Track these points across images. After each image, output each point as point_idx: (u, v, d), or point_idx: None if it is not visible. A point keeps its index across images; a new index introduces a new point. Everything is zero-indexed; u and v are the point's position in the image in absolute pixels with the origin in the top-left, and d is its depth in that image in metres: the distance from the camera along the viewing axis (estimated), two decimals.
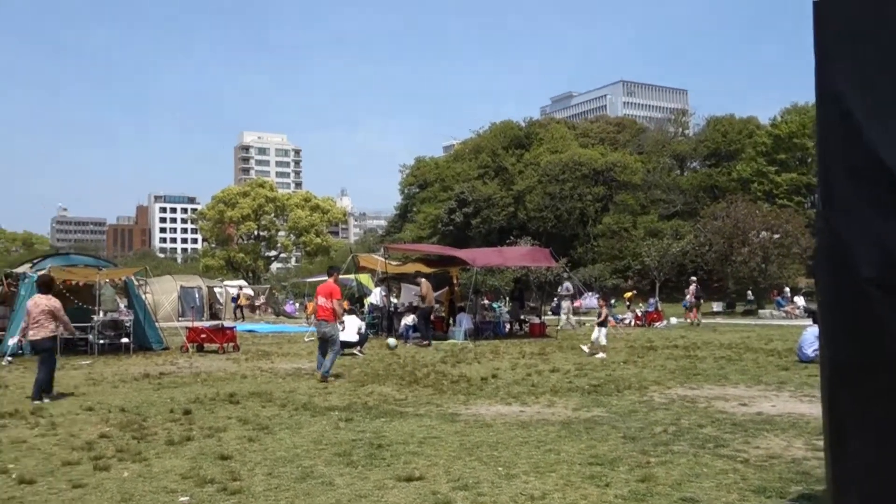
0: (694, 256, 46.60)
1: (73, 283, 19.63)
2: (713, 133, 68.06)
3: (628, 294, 38.66)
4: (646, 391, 12.17)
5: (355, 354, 18.21)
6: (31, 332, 11.94)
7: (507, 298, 32.37)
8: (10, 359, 17.07)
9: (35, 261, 21.34)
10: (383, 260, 27.90)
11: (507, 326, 25.79)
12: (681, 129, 77.96)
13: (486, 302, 27.27)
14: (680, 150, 70.98)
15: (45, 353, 11.94)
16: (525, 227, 62.34)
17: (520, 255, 30.11)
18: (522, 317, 26.53)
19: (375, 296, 26.97)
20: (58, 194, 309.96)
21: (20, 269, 20.94)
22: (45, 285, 12.42)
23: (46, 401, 11.42)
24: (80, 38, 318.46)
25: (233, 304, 39.73)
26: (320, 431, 9.06)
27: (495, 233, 63.11)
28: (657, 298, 39.30)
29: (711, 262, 43.91)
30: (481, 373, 14.69)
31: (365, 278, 32.82)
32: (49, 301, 11.97)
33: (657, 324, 30.03)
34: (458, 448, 8.11)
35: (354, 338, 18.53)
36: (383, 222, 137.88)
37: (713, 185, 63.97)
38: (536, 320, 26.02)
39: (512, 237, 55.02)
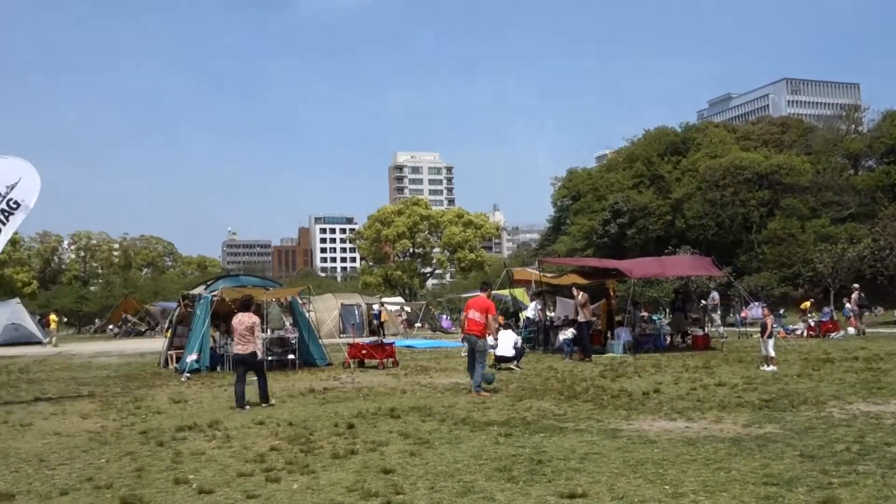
0: (872, 261, 43.19)
1: None
2: (890, 128, 63.01)
3: (805, 304, 36.23)
4: (823, 406, 11.28)
5: (512, 369, 18.11)
6: (238, 347, 13.08)
7: (668, 310, 31.23)
8: (188, 375, 18.22)
9: (208, 282, 22.76)
10: (538, 273, 27.71)
11: (668, 339, 24.87)
12: (853, 126, 72.78)
13: (644, 314, 26.43)
14: (853, 149, 66.27)
15: (246, 365, 13.05)
16: (684, 235, 60.20)
17: (680, 265, 29.04)
18: (686, 329, 25.50)
19: (531, 310, 26.81)
20: (227, 220, 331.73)
21: (195, 291, 22.39)
22: (246, 305, 13.56)
23: (271, 404, 12.97)
24: (247, 73, 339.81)
25: (376, 322, 40.42)
26: (480, 446, 9.00)
27: (652, 243, 61.32)
28: (832, 307, 36.69)
29: (893, 266, 40.53)
30: (643, 387, 14.19)
31: (520, 292, 32.74)
32: (251, 318, 13.06)
33: (833, 334, 27.98)
34: (622, 465, 7.81)
35: (511, 352, 18.45)
36: (536, 236, 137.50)
37: (892, 185, 59.20)
38: (699, 332, 24.94)
39: (670, 247, 53.24)
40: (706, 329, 26.62)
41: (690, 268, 27.81)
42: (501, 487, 7.05)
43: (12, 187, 14.18)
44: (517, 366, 18.43)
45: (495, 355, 18.63)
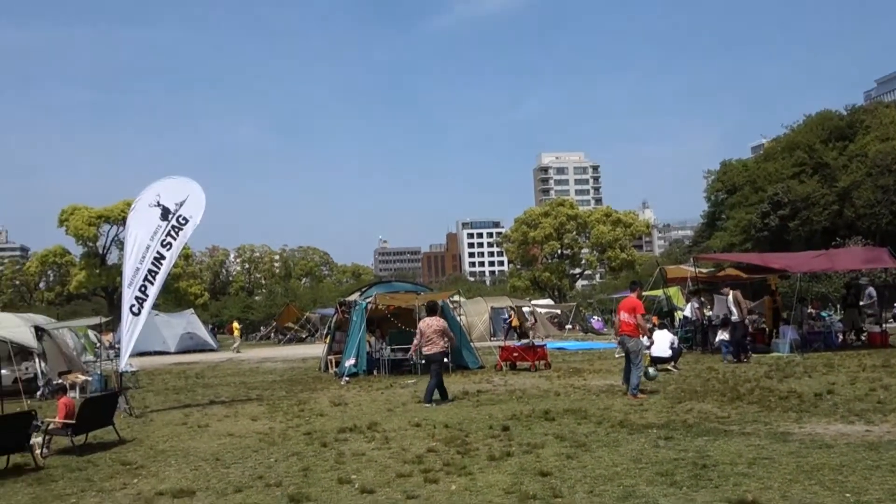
0: None
1: (396, 307, 21.32)
2: None
3: None
4: None
5: (669, 370, 17.51)
6: (425, 349, 14.29)
7: (838, 306, 29.18)
8: (347, 379, 18.86)
9: (363, 289, 23.49)
10: (693, 270, 26.68)
11: (840, 336, 23.23)
12: None
13: (812, 311, 24.82)
14: None
15: (436, 364, 14.06)
16: (854, 225, 56.07)
17: (851, 258, 27.03)
18: (861, 325, 23.73)
19: (688, 309, 25.84)
20: (378, 229, 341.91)
21: (351, 298, 23.17)
22: (432, 309, 14.99)
23: (433, 405, 13.46)
24: (392, 84, 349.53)
25: (504, 326, 39.94)
26: (639, 450, 8.74)
27: (818, 235, 57.50)
28: None
29: None
30: (814, 388, 13.32)
31: (674, 291, 31.65)
32: (438, 322, 14.44)
33: None
34: (795, 470, 7.35)
35: (667, 353, 17.85)
36: (689, 232, 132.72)
37: None
38: (876, 329, 23.14)
39: (839, 238, 49.78)
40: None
41: (863, 261, 25.83)
42: (664, 492, 6.81)
43: (181, 204, 15.23)
44: (674, 366, 17.81)
45: (651, 356, 18.09)
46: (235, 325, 45.06)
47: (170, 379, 23.21)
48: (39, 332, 19.69)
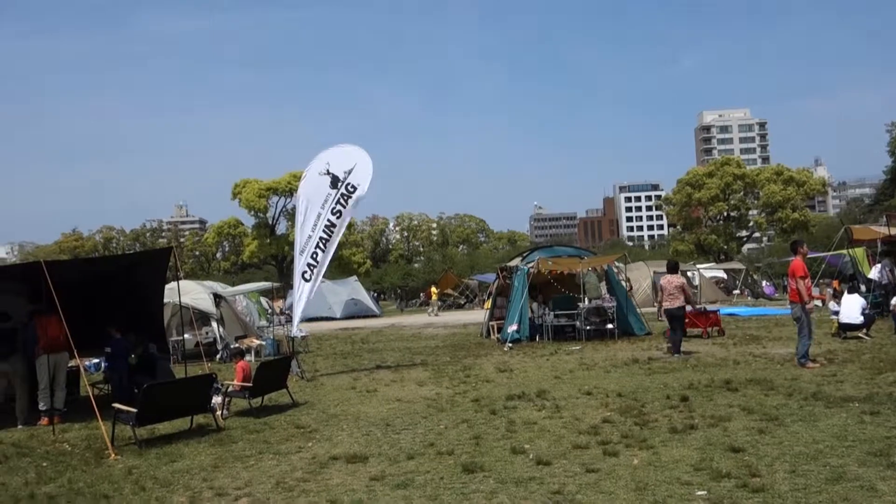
0: None
1: (558, 272, 20.79)
2: None
3: None
4: None
5: (861, 338, 16.00)
6: (666, 303, 15.07)
7: None
8: (510, 345, 18.61)
9: (524, 254, 23.12)
10: (886, 230, 24.32)
11: None
12: None
13: None
14: None
15: (677, 320, 15.01)
16: None
17: None
18: None
19: (874, 272, 23.62)
20: (534, 194, 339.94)
21: (512, 263, 22.85)
22: (674, 268, 15.69)
23: (679, 356, 14.44)
24: (543, 53, 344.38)
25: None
26: (842, 425, 7.86)
27: None
28: None
29: None
30: None
31: (860, 252, 29.10)
32: (678, 279, 15.23)
33: None
34: None
35: (858, 319, 16.31)
36: (867, 190, 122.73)
37: None
38: None
39: None
40: None
41: None
42: (881, 475, 6.01)
43: (349, 172, 15.39)
44: (867, 334, 16.25)
45: (839, 322, 16.62)
46: (433, 289, 45.73)
47: (337, 344, 23.92)
48: (217, 298, 20.78)
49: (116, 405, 9.41)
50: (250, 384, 10.93)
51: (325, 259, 15.23)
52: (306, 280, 15.08)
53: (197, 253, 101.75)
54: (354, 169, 15.34)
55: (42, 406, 11.42)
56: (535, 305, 21.03)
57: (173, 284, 22.36)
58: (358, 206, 15.52)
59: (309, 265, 15.10)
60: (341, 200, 15.27)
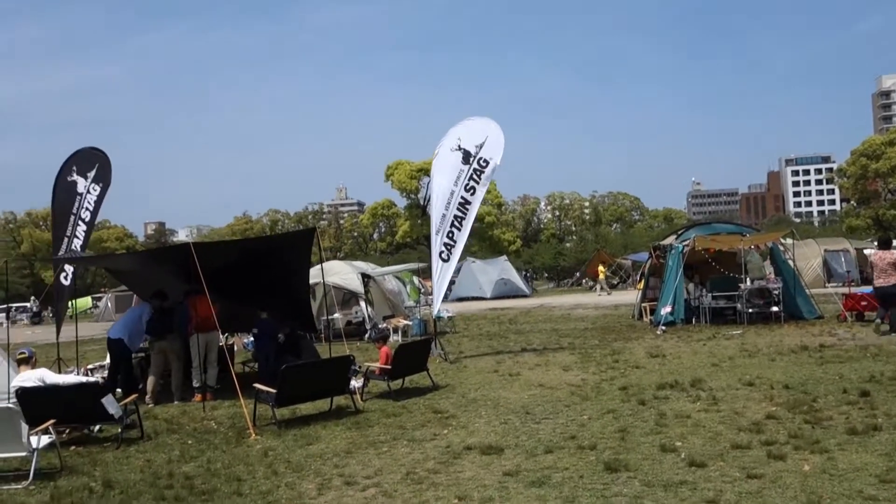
0: None
1: (716, 251, 19.44)
2: None
3: None
4: None
5: None
6: (877, 281, 14.32)
7: None
8: (663, 328, 17.58)
9: (679, 232, 21.85)
10: None
11: None
12: None
13: None
14: None
15: (891, 297, 14.12)
16: None
17: None
18: None
19: None
20: (691, 170, 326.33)
21: (666, 241, 21.63)
22: (886, 243, 14.66)
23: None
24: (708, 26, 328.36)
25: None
26: None
27: None
28: None
29: None
30: None
31: None
32: (891, 255, 14.14)
33: None
34: None
35: None
36: None
37: None
38: None
39: None
40: None
41: None
42: None
43: (481, 146, 14.94)
44: None
45: None
46: (601, 268, 44.87)
47: (484, 324, 23.65)
48: (366, 278, 20.98)
49: (257, 385, 9.47)
50: (389, 366, 10.74)
51: (462, 238, 14.87)
52: (444, 260, 14.79)
53: (355, 234, 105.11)
54: (486, 142, 14.88)
55: (195, 383, 11.81)
56: (690, 286, 19.79)
57: (328, 265, 22.96)
58: (489, 179, 15.06)
59: (446, 245, 14.80)
60: (474, 176, 14.85)
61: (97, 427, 9.27)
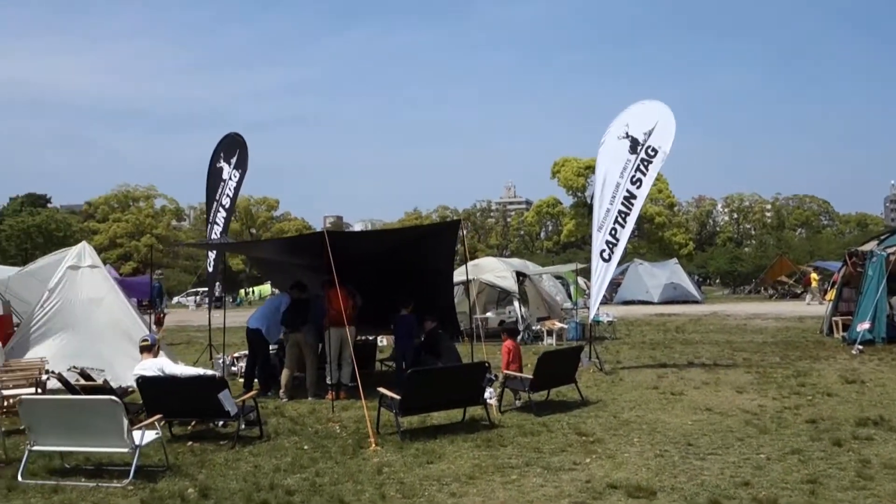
0: None
1: None
2: None
3: None
4: None
5: None
6: None
7: None
8: (860, 347, 15.21)
9: (882, 237, 19.11)
10: None
11: None
12: None
13: None
14: None
15: None
16: None
17: None
18: None
19: None
20: (890, 172, 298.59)
21: (866, 247, 18.94)
22: None
23: None
24: None
25: None
26: None
27: None
28: None
29: None
30: None
31: None
32: None
33: None
34: None
35: None
36: None
37: None
38: None
39: None
40: None
41: None
42: None
43: (649, 133, 13.36)
44: None
45: None
46: (813, 276, 41.49)
47: (648, 331, 21.85)
48: (521, 276, 19.86)
49: (381, 389, 8.59)
50: (530, 376, 9.55)
51: (625, 235, 13.40)
52: (605, 260, 13.37)
53: (521, 232, 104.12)
54: (655, 128, 13.27)
55: (329, 380, 11.16)
56: (894, 300, 17.12)
57: (482, 261, 22.09)
58: (657, 170, 13.46)
59: (608, 243, 13.37)
60: (641, 167, 13.30)
61: (221, 422, 8.76)
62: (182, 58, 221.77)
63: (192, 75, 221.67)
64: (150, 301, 23.30)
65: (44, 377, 10.16)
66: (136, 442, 6.80)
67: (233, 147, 15.65)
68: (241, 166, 15.52)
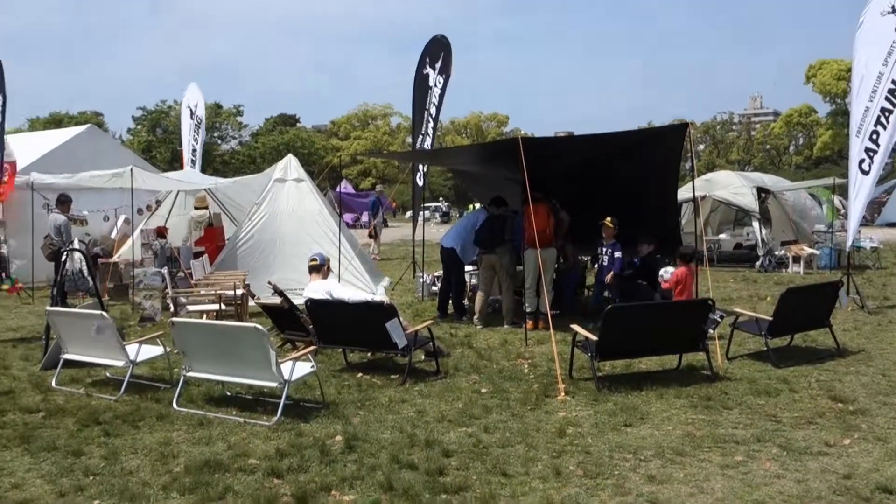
0: None
1: None
2: None
3: None
4: None
5: None
6: None
7: None
8: None
9: None
10: None
11: None
12: None
13: None
14: None
15: None
16: None
17: None
18: None
19: None
20: None
21: None
22: None
23: None
24: None
25: None
26: None
27: None
28: None
29: None
30: None
31: None
32: None
33: None
34: None
35: None
36: None
37: None
38: None
39: None
40: None
41: None
42: None
43: None
44: None
45: None
46: None
47: None
48: (763, 193, 17.16)
49: (575, 326, 7.12)
50: (769, 318, 7.58)
51: (889, 140, 10.48)
52: (864, 172, 10.61)
53: (767, 146, 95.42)
54: None
55: (527, 308, 9.88)
56: None
57: (715, 175, 19.48)
58: None
59: (867, 150, 10.56)
60: None
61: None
62: None
63: None
64: (372, 214, 23.38)
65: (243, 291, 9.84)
66: (286, 376, 5.95)
67: (436, 51, 14.50)
68: (445, 71, 14.39)
